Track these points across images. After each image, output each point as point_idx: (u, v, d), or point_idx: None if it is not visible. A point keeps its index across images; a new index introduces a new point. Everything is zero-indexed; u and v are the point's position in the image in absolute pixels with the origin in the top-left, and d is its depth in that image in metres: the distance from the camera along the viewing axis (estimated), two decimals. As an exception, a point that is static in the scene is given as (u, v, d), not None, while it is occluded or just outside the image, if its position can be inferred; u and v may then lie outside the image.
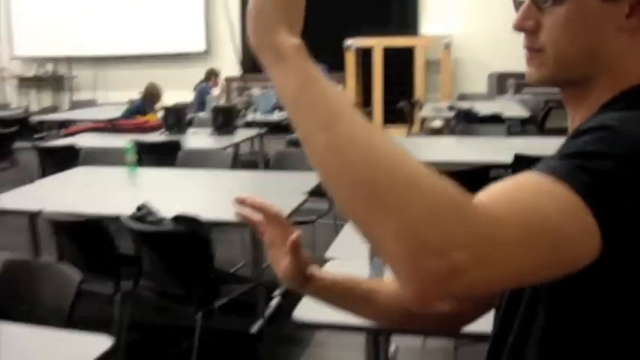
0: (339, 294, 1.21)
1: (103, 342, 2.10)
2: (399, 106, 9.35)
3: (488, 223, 0.68)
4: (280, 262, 1.16)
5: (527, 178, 0.74)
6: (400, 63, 10.99)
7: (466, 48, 11.08)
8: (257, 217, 1.18)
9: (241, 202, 1.15)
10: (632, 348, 0.83)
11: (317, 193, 4.41)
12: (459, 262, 0.65)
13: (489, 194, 0.71)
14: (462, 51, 11.15)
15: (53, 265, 2.82)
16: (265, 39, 0.78)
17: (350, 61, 11.16)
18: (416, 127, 9.51)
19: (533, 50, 0.93)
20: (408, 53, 10.95)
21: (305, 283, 1.17)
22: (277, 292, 4.36)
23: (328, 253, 2.74)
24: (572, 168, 0.74)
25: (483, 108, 7.58)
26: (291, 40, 0.77)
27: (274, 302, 4.26)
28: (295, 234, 1.13)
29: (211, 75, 10.14)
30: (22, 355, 2.11)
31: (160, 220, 3.34)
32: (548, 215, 0.70)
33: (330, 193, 0.71)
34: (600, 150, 0.75)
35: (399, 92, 10.41)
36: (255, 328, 3.94)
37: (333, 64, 8.39)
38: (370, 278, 1.69)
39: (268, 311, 4.09)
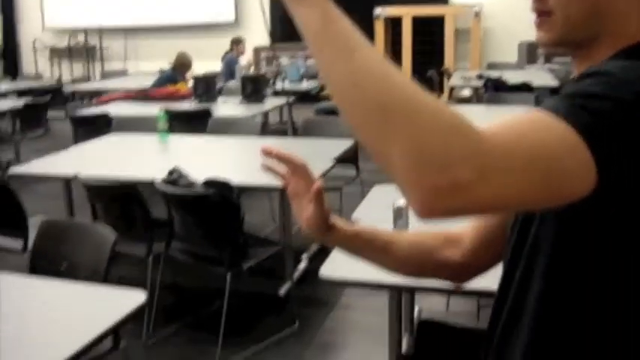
0: (359, 244, 1.27)
1: (138, 296, 2.20)
2: (428, 75, 9.34)
3: (493, 148, 0.75)
4: (304, 212, 1.22)
5: (530, 114, 0.80)
6: (430, 32, 10.95)
7: (496, 17, 10.99)
8: (282, 168, 1.24)
9: (268, 153, 1.21)
10: (631, 282, 0.90)
11: (344, 160, 4.48)
12: (460, 178, 0.72)
13: (495, 125, 0.78)
14: (491, 20, 11.07)
15: (89, 225, 2.93)
16: None
17: (379, 30, 11.14)
18: (444, 96, 9.51)
19: (543, 13, 0.99)
20: (437, 22, 10.90)
21: (327, 233, 1.23)
22: (305, 256, 4.46)
23: (353, 217, 2.81)
24: (573, 107, 0.80)
25: (512, 77, 7.57)
26: None
27: (302, 265, 4.35)
28: (318, 183, 1.20)
29: (234, 43, 10.18)
30: (62, 308, 2.22)
31: (191, 184, 3.43)
32: (549, 147, 0.77)
33: (345, 117, 0.79)
34: (600, 92, 0.80)
35: (428, 61, 10.39)
36: (282, 291, 4.04)
37: (362, 33, 8.37)
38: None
39: (296, 274, 4.19)
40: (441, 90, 9.51)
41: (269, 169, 1.25)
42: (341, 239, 1.25)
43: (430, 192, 0.73)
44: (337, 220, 1.25)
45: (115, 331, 2.50)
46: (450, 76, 9.04)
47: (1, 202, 3.78)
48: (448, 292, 2.45)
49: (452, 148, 0.73)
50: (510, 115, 0.81)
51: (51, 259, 2.81)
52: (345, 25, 0.82)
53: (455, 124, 0.74)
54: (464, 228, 1.25)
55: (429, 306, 3.74)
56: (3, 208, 3.80)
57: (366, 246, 1.27)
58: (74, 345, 1.89)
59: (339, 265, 2.44)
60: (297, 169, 1.23)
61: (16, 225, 3.70)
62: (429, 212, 0.75)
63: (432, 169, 0.73)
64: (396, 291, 2.65)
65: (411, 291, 2.78)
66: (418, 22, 10.93)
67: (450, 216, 0.76)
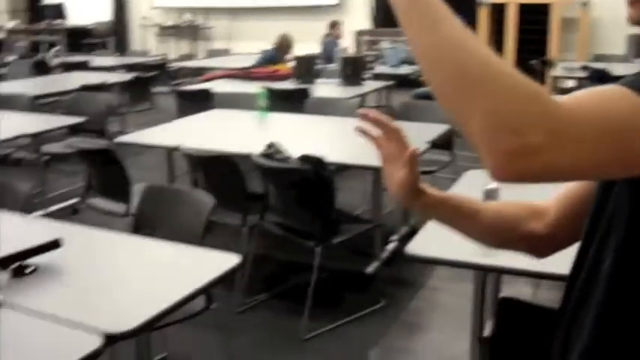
0: (447, 210, 1.30)
1: (232, 259, 2.30)
2: (531, 65, 9.15)
3: (567, 116, 0.79)
4: (394, 176, 1.26)
5: (607, 88, 0.83)
6: (535, 21, 10.70)
7: (605, 7, 10.62)
8: (376, 131, 1.29)
9: (364, 116, 1.25)
10: None
11: (439, 145, 4.49)
12: (533, 142, 0.76)
13: (572, 96, 0.81)
14: (600, 10, 10.71)
15: (189, 190, 3.07)
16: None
17: (483, 17, 10.97)
18: (547, 86, 9.30)
19: None
20: (543, 10, 10.64)
21: (416, 198, 1.26)
22: (395, 237, 4.50)
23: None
24: None
25: (619, 70, 7.33)
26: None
27: (391, 246, 4.40)
28: (414, 147, 1.24)
29: (331, 26, 10.24)
30: (162, 267, 2.35)
31: (287, 158, 3.53)
32: (623, 118, 0.80)
33: (429, 82, 0.85)
34: None
35: (532, 51, 10.16)
36: (370, 269, 4.10)
37: (465, 20, 8.28)
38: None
39: (384, 254, 4.24)
40: (543, 80, 9.31)
41: (364, 131, 1.29)
42: (428, 205, 1.28)
43: (504, 155, 0.78)
44: (426, 186, 1.28)
45: (208, 291, 2.63)
46: (553, 66, 8.84)
47: (108, 169, 3.99)
48: (535, 276, 2.44)
49: (527, 113, 0.77)
50: (591, 88, 0.84)
51: (152, 221, 2.96)
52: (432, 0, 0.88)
53: (531, 91, 0.79)
54: (549, 201, 1.27)
55: (516, 294, 3.71)
56: (109, 174, 4.01)
57: (452, 213, 1.30)
58: (169, 299, 2.01)
59: (426, 245, 2.48)
60: (392, 134, 1.26)
61: (121, 191, 3.90)
62: (502, 175, 0.80)
63: (507, 133, 0.77)
64: (480, 271, 2.66)
65: (498, 272, 2.79)
66: (523, 10, 10.70)
67: (523, 180, 0.80)
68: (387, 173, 1.28)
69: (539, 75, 9.18)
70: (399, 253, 4.22)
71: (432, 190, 1.28)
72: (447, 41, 0.84)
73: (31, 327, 1.89)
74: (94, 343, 1.75)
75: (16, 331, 1.88)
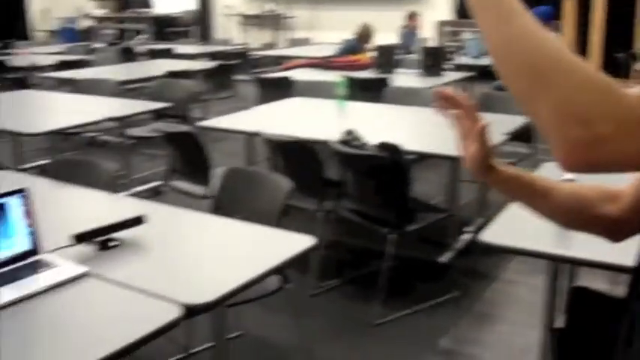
0: (518, 185, 1.31)
1: (307, 240, 2.35)
2: (616, 58, 8.90)
3: (637, 106, 0.79)
4: (468, 151, 1.30)
5: None
6: (622, 13, 10.38)
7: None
8: (452, 109, 1.32)
9: (440, 95, 1.29)
10: None
11: (519, 137, 4.44)
12: (602, 132, 0.78)
13: None
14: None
15: (267, 174, 3.13)
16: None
17: (568, 9, 10.71)
18: (632, 80, 9.01)
19: None
20: (631, 2, 10.31)
21: (488, 172, 1.29)
22: (470, 228, 4.48)
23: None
24: None
25: None
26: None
27: (466, 236, 4.38)
28: (484, 122, 1.27)
29: (410, 17, 10.18)
30: (239, 246, 2.43)
31: (364, 145, 3.56)
32: None
33: (501, 74, 0.88)
34: None
35: (618, 43, 9.87)
36: (445, 259, 4.10)
37: (550, 13, 8.11)
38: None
39: (459, 244, 4.23)
40: (627, 74, 9.04)
41: (441, 106, 1.32)
42: (500, 180, 1.30)
43: (573, 144, 0.80)
44: (498, 162, 1.30)
45: (283, 271, 2.70)
46: (639, 59, 8.58)
47: (190, 152, 4.11)
48: (611, 269, 2.40)
49: (596, 104, 0.79)
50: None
51: (231, 202, 3.05)
52: None
53: (601, 83, 0.80)
54: (625, 186, 1.27)
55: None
56: (191, 157, 4.13)
57: (524, 188, 1.31)
58: (245, 277, 2.08)
59: (500, 234, 2.47)
60: (467, 111, 1.30)
61: (201, 173, 4.01)
62: (571, 165, 0.82)
63: (577, 124, 0.79)
64: (553, 261, 2.64)
65: (572, 262, 2.75)
66: (610, 2, 10.39)
67: (592, 170, 0.82)
68: (462, 149, 1.31)
69: (624, 68, 8.93)
70: (473, 245, 4.20)
71: (504, 167, 1.30)
72: (519, 34, 0.86)
73: (114, 296, 1.99)
74: (174, 313, 1.83)
75: (100, 299, 1.98)
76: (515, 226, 2.52)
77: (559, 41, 0.84)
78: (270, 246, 2.38)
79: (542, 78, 0.82)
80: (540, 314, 2.82)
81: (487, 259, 4.19)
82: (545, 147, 0.89)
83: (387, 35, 10.38)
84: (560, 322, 2.95)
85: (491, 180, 1.30)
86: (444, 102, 1.31)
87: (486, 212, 4.70)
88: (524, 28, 0.86)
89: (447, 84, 7.04)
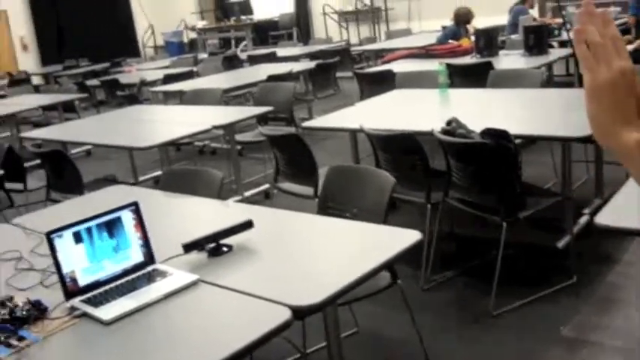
0: None
1: (414, 235, 2.33)
2: None
3: None
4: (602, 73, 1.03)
5: None
6: None
7: None
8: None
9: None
10: None
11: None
12: None
13: None
14: None
15: (371, 170, 3.12)
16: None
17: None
18: None
19: None
20: None
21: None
22: (587, 210, 4.31)
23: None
24: None
25: None
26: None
27: (583, 219, 4.22)
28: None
29: None
30: (347, 245, 2.42)
31: (469, 133, 3.48)
32: None
33: None
34: None
35: None
36: (561, 244, 3.96)
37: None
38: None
39: (576, 227, 4.07)
40: None
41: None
42: None
43: None
44: None
45: (392, 267, 2.68)
46: None
47: (295, 153, 4.14)
48: None
49: None
50: None
51: (337, 200, 3.05)
52: None
53: None
54: None
55: None
56: (297, 159, 4.17)
57: None
58: (353, 275, 2.07)
59: (617, 215, 2.36)
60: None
61: (308, 174, 4.04)
62: None
63: None
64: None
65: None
66: None
67: None
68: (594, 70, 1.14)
69: None
70: (591, 227, 4.04)
71: None
72: None
73: (225, 301, 2.03)
74: (284, 315, 1.85)
75: (212, 305, 2.03)
76: (634, 205, 2.40)
77: None
78: (377, 243, 2.37)
79: None
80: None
81: (606, 241, 4.01)
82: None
83: (495, 18, 10.13)
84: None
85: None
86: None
87: (603, 193, 4.52)
88: None
89: (552, 62, 6.81)
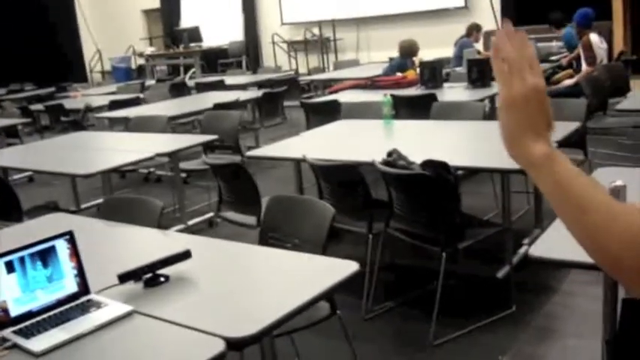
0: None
1: (351, 266, 2.34)
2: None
3: None
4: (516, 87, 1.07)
5: None
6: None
7: None
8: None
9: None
10: None
11: (572, 144, 4.35)
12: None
13: None
14: None
15: (310, 200, 3.13)
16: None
17: (617, 7, 10.50)
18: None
19: None
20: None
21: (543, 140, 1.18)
22: (526, 241, 4.39)
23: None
24: None
25: None
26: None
27: (522, 249, 4.29)
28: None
29: (473, 30, 10.04)
30: (285, 275, 2.42)
31: (409, 164, 3.53)
32: None
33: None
34: None
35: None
36: (500, 274, 4.02)
37: (590, 14, 7.95)
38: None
39: (515, 258, 4.14)
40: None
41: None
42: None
43: (625, 284, 0.91)
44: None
45: (331, 298, 2.68)
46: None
47: (239, 182, 4.14)
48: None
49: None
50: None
51: (278, 230, 3.05)
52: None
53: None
54: None
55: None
56: (240, 188, 4.16)
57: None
58: (289, 306, 2.07)
59: (554, 246, 2.41)
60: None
61: (252, 203, 4.03)
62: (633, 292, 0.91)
63: (621, 271, 0.90)
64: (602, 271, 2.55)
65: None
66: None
67: None
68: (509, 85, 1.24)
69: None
70: (529, 258, 4.11)
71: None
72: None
73: (160, 333, 2.00)
74: (218, 347, 1.83)
75: (145, 336, 2.00)
76: (567, 236, 2.45)
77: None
78: (315, 273, 2.37)
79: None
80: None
81: (545, 270, 4.09)
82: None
83: (439, 50, 10.33)
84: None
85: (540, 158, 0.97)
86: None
87: (542, 223, 4.61)
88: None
89: (495, 95, 6.96)
